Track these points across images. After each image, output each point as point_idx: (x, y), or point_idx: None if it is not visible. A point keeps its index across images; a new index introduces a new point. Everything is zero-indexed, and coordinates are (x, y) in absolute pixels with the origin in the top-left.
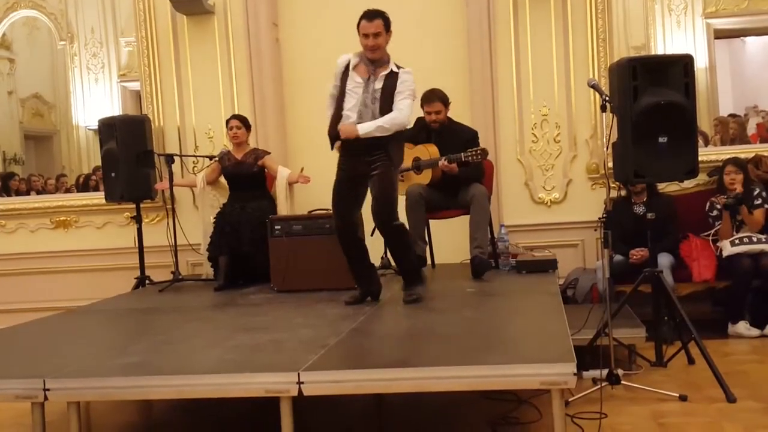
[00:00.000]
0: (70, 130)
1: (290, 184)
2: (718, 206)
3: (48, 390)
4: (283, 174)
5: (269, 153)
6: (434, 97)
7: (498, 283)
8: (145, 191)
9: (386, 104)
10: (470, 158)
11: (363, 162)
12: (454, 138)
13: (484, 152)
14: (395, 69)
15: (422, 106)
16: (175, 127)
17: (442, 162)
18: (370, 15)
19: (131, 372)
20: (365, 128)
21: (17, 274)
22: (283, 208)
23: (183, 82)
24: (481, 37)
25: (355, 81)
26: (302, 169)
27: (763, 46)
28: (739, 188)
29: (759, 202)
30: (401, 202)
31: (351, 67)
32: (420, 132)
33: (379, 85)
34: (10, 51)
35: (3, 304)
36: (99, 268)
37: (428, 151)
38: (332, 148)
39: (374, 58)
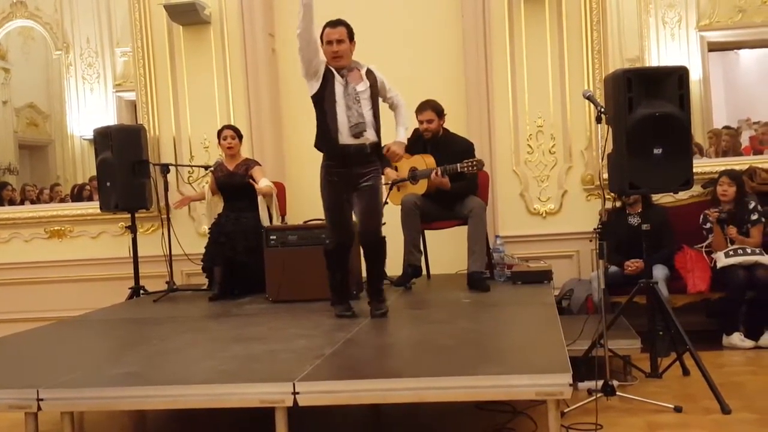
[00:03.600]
0: (65, 140)
1: (263, 195)
2: (711, 219)
3: (41, 400)
4: (259, 186)
5: (259, 164)
6: (427, 106)
7: (493, 293)
8: (140, 201)
9: (375, 102)
10: (466, 169)
11: (356, 174)
12: (450, 149)
13: (480, 163)
14: (366, 66)
15: (416, 115)
16: (170, 137)
17: (434, 174)
18: (333, 23)
19: (125, 382)
20: (402, 137)
21: (11, 283)
22: (262, 220)
23: (179, 92)
24: (477, 49)
25: (338, 90)
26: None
27: (757, 59)
28: (730, 196)
29: (756, 217)
30: (396, 211)
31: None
32: (416, 143)
33: (362, 87)
34: (5, 60)
35: None
36: (93, 278)
37: (425, 161)
38: (334, 161)
39: (337, 66)
